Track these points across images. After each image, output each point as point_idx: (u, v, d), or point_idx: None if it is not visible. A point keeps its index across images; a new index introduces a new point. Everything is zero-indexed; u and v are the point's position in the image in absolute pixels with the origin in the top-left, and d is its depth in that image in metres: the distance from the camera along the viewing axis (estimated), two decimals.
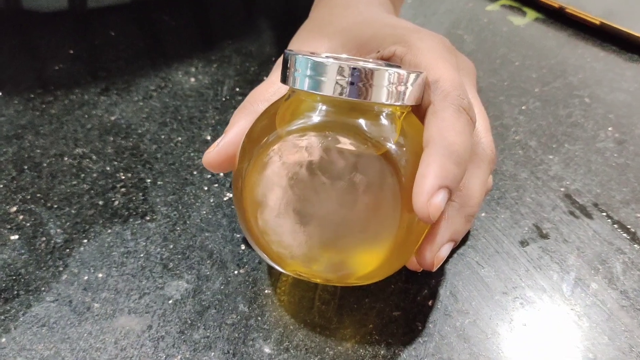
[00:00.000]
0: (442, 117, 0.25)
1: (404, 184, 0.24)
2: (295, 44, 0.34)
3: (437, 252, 0.27)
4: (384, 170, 0.24)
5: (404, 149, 0.25)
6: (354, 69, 0.23)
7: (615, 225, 0.33)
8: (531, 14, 0.55)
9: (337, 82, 0.23)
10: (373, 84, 0.24)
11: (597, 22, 0.51)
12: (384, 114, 0.25)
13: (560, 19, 0.54)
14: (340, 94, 0.24)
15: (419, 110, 0.27)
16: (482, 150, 0.30)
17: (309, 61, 0.24)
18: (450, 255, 0.32)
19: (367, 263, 0.26)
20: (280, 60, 0.30)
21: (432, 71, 0.27)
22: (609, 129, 0.41)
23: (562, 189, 0.36)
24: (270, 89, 0.30)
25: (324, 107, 0.25)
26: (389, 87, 0.24)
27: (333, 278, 0.27)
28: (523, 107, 0.43)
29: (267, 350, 0.27)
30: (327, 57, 0.25)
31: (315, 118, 0.24)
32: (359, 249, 0.25)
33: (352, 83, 0.23)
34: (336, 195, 0.24)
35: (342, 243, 0.25)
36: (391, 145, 0.24)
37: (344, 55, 0.27)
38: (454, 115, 0.25)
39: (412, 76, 0.25)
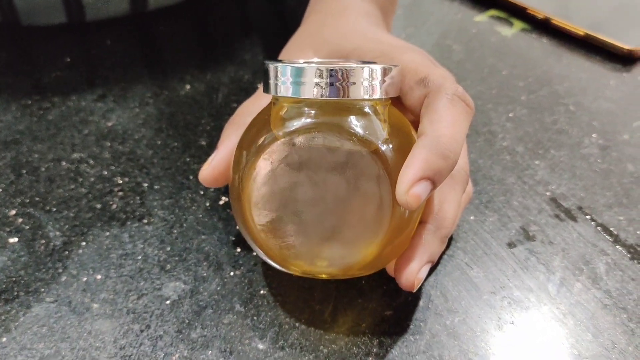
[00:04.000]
0: (434, 109, 0.26)
1: (392, 174, 0.25)
2: (285, 54, 0.35)
3: (416, 274, 0.27)
4: (371, 162, 0.25)
5: (389, 139, 0.26)
6: (331, 70, 0.25)
7: (599, 228, 0.34)
8: (518, 25, 0.56)
9: (316, 85, 0.25)
10: (351, 82, 0.25)
11: (582, 33, 0.52)
12: (365, 109, 0.26)
13: (546, 29, 0.55)
14: (321, 95, 0.25)
15: (404, 106, 0.28)
16: (456, 173, 0.30)
17: (288, 68, 0.25)
18: (441, 257, 0.32)
19: (367, 254, 0.27)
20: None
21: (417, 73, 0.28)
22: (593, 135, 0.42)
23: (547, 193, 0.37)
24: (259, 102, 0.31)
25: (308, 110, 0.26)
26: (366, 83, 0.25)
27: (337, 272, 0.28)
28: (510, 115, 0.44)
29: (262, 347, 0.28)
30: (304, 62, 0.26)
31: (302, 121, 0.26)
32: (357, 241, 0.26)
33: (330, 84, 0.25)
34: (329, 192, 0.26)
35: (341, 237, 0.26)
36: (376, 138, 0.25)
37: (316, 59, 0.29)
38: (447, 105, 0.26)
39: (387, 69, 0.26)
